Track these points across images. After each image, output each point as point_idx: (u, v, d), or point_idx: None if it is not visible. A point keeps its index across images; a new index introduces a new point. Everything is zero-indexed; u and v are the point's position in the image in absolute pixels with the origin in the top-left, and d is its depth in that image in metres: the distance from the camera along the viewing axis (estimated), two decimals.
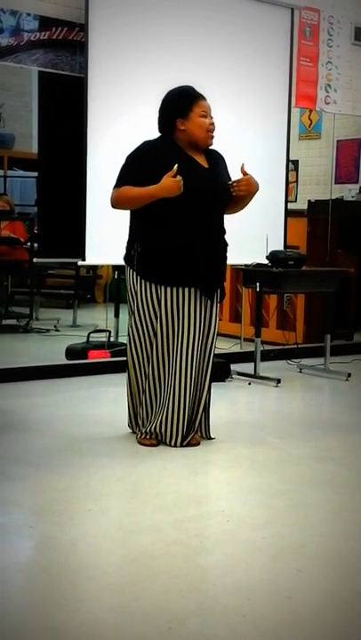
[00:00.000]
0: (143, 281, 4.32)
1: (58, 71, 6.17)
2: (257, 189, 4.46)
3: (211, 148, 4.45)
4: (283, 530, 3.26)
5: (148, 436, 4.39)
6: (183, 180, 4.16)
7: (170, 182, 4.13)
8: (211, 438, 4.54)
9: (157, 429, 4.37)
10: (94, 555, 2.99)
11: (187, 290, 4.29)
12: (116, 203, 4.34)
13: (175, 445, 4.36)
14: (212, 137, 4.37)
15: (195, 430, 4.47)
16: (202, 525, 3.31)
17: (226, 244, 4.49)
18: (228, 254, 4.51)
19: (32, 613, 2.53)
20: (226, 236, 4.50)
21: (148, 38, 6.22)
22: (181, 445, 4.36)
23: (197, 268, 4.28)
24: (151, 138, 4.39)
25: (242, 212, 6.66)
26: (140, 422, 4.44)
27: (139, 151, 4.34)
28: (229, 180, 4.45)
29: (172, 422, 4.36)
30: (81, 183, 5.99)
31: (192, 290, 4.30)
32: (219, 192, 4.36)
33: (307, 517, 3.46)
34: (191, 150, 4.35)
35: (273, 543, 3.12)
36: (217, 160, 4.47)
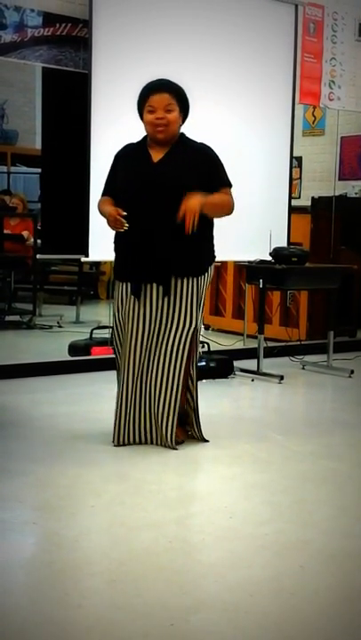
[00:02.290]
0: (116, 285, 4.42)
1: (61, 67, 6.17)
2: (201, 203, 4.13)
3: (198, 142, 4.34)
4: (286, 526, 3.27)
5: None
6: (127, 175, 4.24)
7: (109, 214, 4.15)
8: (205, 440, 4.45)
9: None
10: (97, 551, 2.99)
11: (125, 285, 4.28)
12: (101, 213, 4.38)
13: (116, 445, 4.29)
14: (160, 131, 4.20)
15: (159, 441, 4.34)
16: (204, 522, 3.31)
17: (179, 242, 4.18)
18: (186, 251, 4.22)
19: (35, 609, 2.53)
20: (192, 235, 4.17)
21: (151, 34, 6.20)
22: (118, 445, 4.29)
23: (128, 262, 4.26)
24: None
25: (245, 208, 6.64)
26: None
27: (115, 156, 4.41)
28: (212, 173, 4.27)
29: (121, 425, 4.30)
30: (84, 179, 5.99)
31: (127, 285, 4.27)
32: (160, 187, 4.17)
33: (310, 514, 3.46)
34: (156, 146, 4.27)
35: (276, 540, 3.12)
36: (186, 154, 4.27)
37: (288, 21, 7.05)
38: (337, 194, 8.52)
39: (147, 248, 4.20)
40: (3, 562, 2.86)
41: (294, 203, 7.75)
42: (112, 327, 4.42)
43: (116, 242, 4.37)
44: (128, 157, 4.35)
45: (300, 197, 9.14)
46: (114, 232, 4.30)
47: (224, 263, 8.32)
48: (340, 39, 7.64)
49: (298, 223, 7.60)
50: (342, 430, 4.90)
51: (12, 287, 9.20)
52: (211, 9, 6.52)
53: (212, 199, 4.21)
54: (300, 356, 7.05)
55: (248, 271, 6.58)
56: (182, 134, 4.35)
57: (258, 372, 6.34)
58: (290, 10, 7.06)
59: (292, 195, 7.58)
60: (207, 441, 4.45)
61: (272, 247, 6.34)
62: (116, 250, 4.38)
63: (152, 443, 4.33)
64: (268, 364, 6.44)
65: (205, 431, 4.54)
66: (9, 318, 8.60)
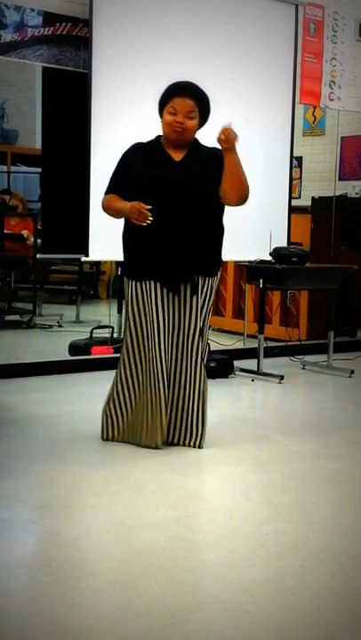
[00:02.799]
0: (124, 278, 4.38)
1: (62, 67, 6.17)
2: (236, 139, 4.28)
3: (209, 146, 4.38)
4: (286, 526, 3.27)
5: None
6: (148, 173, 4.22)
7: (132, 207, 4.14)
8: (200, 447, 4.37)
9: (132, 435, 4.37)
10: (97, 550, 2.99)
11: (149, 284, 4.25)
12: (104, 210, 4.40)
13: (154, 447, 4.27)
14: (176, 132, 4.21)
15: (183, 436, 4.38)
16: (205, 521, 3.31)
17: (201, 242, 4.28)
18: (207, 251, 4.33)
19: (35, 608, 2.53)
20: (212, 235, 4.35)
21: (151, 34, 6.21)
22: (156, 447, 4.27)
23: (155, 261, 4.23)
24: (151, 137, 4.40)
25: (245, 207, 6.62)
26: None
27: (124, 154, 4.38)
28: (217, 181, 4.30)
29: (147, 425, 4.29)
30: (84, 179, 5.99)
31: (154, 284, 4.24)
32: (185, 186, 4.21)
33: (310, 514, 3.46)
34: (172, 147, 4.30)
35: (276, 539, 3.12)
36: (204, 158, 4.32)
37: (288, 21, 7.05)
38: (337, 194, 8.52)
39: (173, 248, 4.22)
40: (3, 561, 2.86)
41: (294, 203, 7.75)
42: (127, 326, 4.34)
43: (133, 241, 4.31)
44: (144, 156, 4.32)
45: (300, 197, 9.14)
46: (126, 231, 4.29)
47: (224, 263, 8.30)
48: (340, 39, 7.64)
49: (298, 223, 7.61)
50: (343, 430, 4.90)
51: (13, 287, 9.20)
52: (211, 9, 6.52)
53: (240, 161, 4.34)
54: (301, 356, 7.05)
55: (248, 271, 6.58)
56: (196, 139, 4.38)
57: (258, 372, 6.34)
58: (290, 10, 7.06)
59: (293, 195, 7.59)
60: (201, 448, 4.38)
61: (272, 247, 6.34)
62: (134, 249, 4.31)
63: (179, 444, 4.36)
64: (269, 364, 6.44)
65: (206, 431, 4.54)
66: (9, 318, 8.60)
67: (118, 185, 4.34)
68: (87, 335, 6.85)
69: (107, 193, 4.39)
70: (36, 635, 2.35)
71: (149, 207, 4.11)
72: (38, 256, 8.14)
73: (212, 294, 4.40)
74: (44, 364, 6.24)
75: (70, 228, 6.27)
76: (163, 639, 2.35)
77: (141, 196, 4.21)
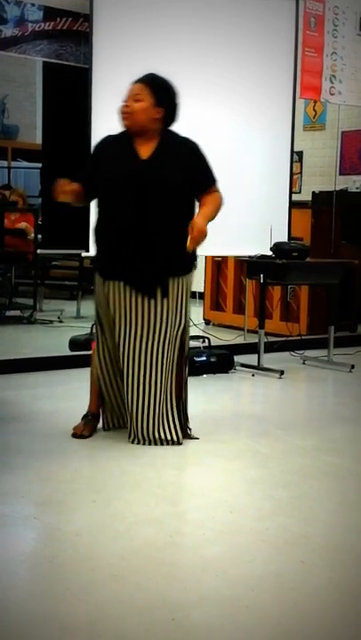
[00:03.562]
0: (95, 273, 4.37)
1: (62, 62, 6.16)
2: (207, 222, 4.16)
3: (184, 137, 4.29)
4: (287, 521, 3.27)
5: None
6: (112, 171, 4.18)
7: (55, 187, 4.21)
8: (176, 444, 4.27)
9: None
10: (98, 546, 2.99)
11: (115, 283, 4.21)
12: None
13: (137, 442, 4.25)
14: (123, 119, 4.19)
15: (162, 432, 4.29)
16: (205, 517, 3.31)
17: (172, 243, 4.16)
18: (179, 251, 4.16)
19: (36, 604, 2.53)
20: (183, 233, 4.12)
21: (152, 29, 6.20)
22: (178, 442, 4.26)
23: (120, 261, 4.19)
24: None
25: (246, 203, 6.65)
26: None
27: (94, 147, 4.40)
28: (200, 170, 4.25)
29: (131, 419, 4.28)
30: None
31: (124, 285, 4.20)
32: (151, 187, 4.13)
33: (311, 509, 3.46)
34: (140, 138, 4.22)
35: (277, 535, 3.12)
36: (175, 151, 4.23)
37: (289, 16, 7.04)
38: (338, 188, 8.51)
39: (144, 250, 4.15)
40: (4, 557, 2.87)
41: (295, 197, 7.74)
42: (96, 324, 4.36)
43: (102, 239, 4.30)
44: (112, 151, 4.27)
45: (300, 192, 9.14)
46: (98, 228, 4.29)
47: (225, 258, 8.32)
48: (340, 33, 7.62)
49: (298, 218, 7.60)
50: (343, 425, 4.90)
51: (13, 282, 9.20)
52: (212, 4, 6.51)
53: (211, 212, 4.22)
54: (301, 351, 7.05)
55: (249, 266, 6.58)
56: (167, 130, 4.26)
57: (258, 367, 6.34)
58: (291, 4, 7.05)
59: (293, 189, 7.57)
60: (180, 444, 4.33)
61: (273, 242, 6.33)
62: (103, 247, 4.30)
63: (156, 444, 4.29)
64: (269, 359, 6.44)
65: (206, 426, 4.55)
66: (10, 313, 8.60)
67: (84, 176, 4.33)
68: (88, 331, 6.83)
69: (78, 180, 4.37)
70: (37, 630, 2.36)
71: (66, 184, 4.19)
72: (39, 251, 8.15)
73: (187, 293, 4.32)
74: (45, 359, 6.25)
75: (71, 223, 6.26)
76: (163, 634, 2.36)
77: (108, 194, 4.21)
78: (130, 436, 4.26)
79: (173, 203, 4.17)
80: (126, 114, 4.18)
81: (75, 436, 4.34)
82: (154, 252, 4.16)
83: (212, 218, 4.23)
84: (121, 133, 4.29)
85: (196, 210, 4.28)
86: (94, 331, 4.38)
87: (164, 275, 4.20)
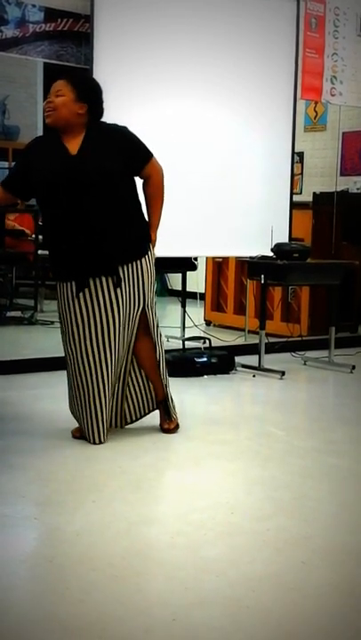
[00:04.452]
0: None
1: (63, 63, 6.16)
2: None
3: (112, 124, 4.29)
4: (287, 522, 3.26)
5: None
6: (46, 171, 4.15)
7: None
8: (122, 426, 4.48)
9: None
10: (98, 546, 2.99)
11: (67, 284, 4.23)
12: None
13: (95, 442, 4.24)
14: (46, 115, 4.20)
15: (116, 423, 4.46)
16: (206, 517, 3.31)
17: (115, 232, 4.19)
18: (124, 237, 4.23)
19: (36, 604, 2.53)
20: (126, 220, 4.24)
21: (152, 30, 6.20)
22: (99, 442, 4.24)
23: (73, 261, 4.18)
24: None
25: (247, 203, 6.64)
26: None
27: (26, 148, 4.36)
28: (132, 151, 4.26)
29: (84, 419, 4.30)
30: None
31: (71, 284, 4.21)
32: (83, 179, 4.12)
33: (312, 510, 3.46)
34: (66, 135, 4.20)
35: (277, 535, 3.12)
36: (103, 141, 4.23)
37: (290, 17, 7.04)
38: (338, 189, 8.51)
39: (87, 244, 4.14)
40: (4, 557, 2.86)
41: (296, 198, 7.74)
42: (63, 329, 4.31)
43: (50, 242, 4.33)
44: (41, 151, 4.25)
45: (301, 193, 9.13)
46: (44, 233, 4.36)
47: (225, 259, 8.32)
48: (341, 34, 7.62)
49: (299, 219, 7.60)
50: (344, 426, 4.90)
51: (14, 283, 9.19)
52: (212, 5, 6.51)
53: (158, 220, 4.38)
54: (302, 352, 7.05)
55: (249, 267, 6.57)
56: (95, 123, 4.26)
57: (259, 368, 6.33)
58: (291, 5, 7.05)
59: (294, 190, 7.57)
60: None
61: (274, 243, 6.33)
62: (53, 251, 4.32)
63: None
64: (270, 360, 6.44)
65: (207, 426, 4.55)
66: (10, 314, 8.59)
67: (12, 180, 4.33)
68: None
69: (1, 184, 4.36)
70: (37, 630, 2.36)
71: None
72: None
73: (143, 276, 4.29)
74: (45, 360, 6.24)
75: None
76: (164, 635, 2.35)
77: (41, 195, 4.23)
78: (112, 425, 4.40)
79: (110, 191, 4.16)
80: (49, 110, 4.19)
81: (75, 437, 4.35)
82: (100, 245, 4.15)
83: (160, 217, 4.39)
84: (49, 133, 4.30)
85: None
86: (71, 341, 4.32)
87: (113, 266, 4.20)
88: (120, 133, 4.27)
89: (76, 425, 4.36)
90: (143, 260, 4.29)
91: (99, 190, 4.14)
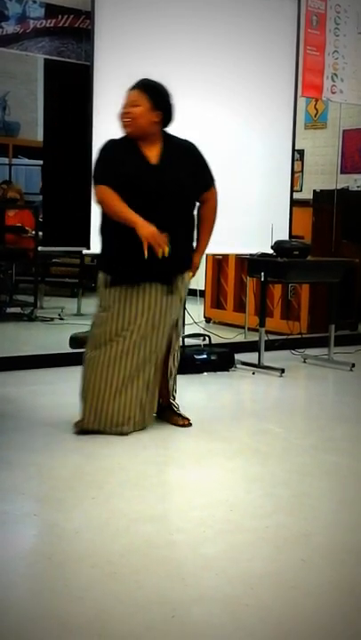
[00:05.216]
0: (105, 279, 4.39)
1: (64, 59, 6.15)
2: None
3: (182, 139, 4.44)
4: (287, 520, 3.27)
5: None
6: (128, 177, 4.24)
7: (152, 234, 4.16)
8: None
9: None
10: (98, 543, 2.99)
11: (135, 288, 4.33)
12: (101, 203, 4.34)
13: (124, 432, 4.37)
14: (125, 125, 4.33)
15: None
16: (205, 514, 3.31)
17: (179, 243, 4.34)
18: (185, 250, 4.44)
19: (35, 601, 2.53)
20: (188, 233, 4.46)
21: (153, 27, 6.18)
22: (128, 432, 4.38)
23: (138, 264, 4.24)
24: None
25: (247, 201, 6.65)
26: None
27: (106, 148, 4.39)
28: (201, 170, 4.44)
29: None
30: (86, 171, 5.95)
31: (142, 287, 4.32)
32: (163, 189, 4.28)
33: (311, 507, 3.46)
34: (144, 143, 4.35)
35: (277, 533, 3.12)
36: (178, 153, 4.39)
37: (291, 14, 7.03)
38: (339, 187, 8.50)
39: (154, 251, 4.23)
40: (3, 554, 2.87)
41: (296, 196, 7.73)
42: (99, 323, 4.42)
43: (117, 243, 4.33)
44: (120, 155, 4.34)
45: (301, 190, 9.13)
46: (109, 231, 4.31)
47: (226, 256, 8.32)
48: (342, 32, 7.61)
49: (300, 216, 7.59)
50: (343, 424, 4.90)
51: (14, 279, 9.20)
52: (213, 2, 6.50)
53: (206, 246, 4.57)
54: (302, 350, 7.05)
55: (250, 264, 6.57)
56: (165, 132, 4.41)
57: (259, 366, 6.33)
58: (292, 2, 7.04)
59: (294, 188, 7.56)
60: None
61: (274, 240, 6.33)
62: (115, 251, 4.35)
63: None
64: (270, 358, 6.44)
65: (206, 424, 4.55)
66: (10, 310, 8.59)
67: (108, 176, 4.30)
68: (88, 328, 6.82)
69: (99, 183, 4.34)
70: (36, 628, 2.36)
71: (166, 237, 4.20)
72: (39, 249, 8.14)
73: (186, 287, 4.52)
74: (45, 356, 6.24)
75: (72, 220, 6.26)
76: (163, 632, 2.35)
77: (124, 199, 4.24)
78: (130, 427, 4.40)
79: (181, 204, 4.38)
80: (128, 120, 4.33)
81: (77, 431, 4.38)
82: (174, 253, 4.28)
83: (208, 244, 4.60)
84: (123, 138, 4.40)
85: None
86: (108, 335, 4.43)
87: (171, 274, 4.38)
88: (193, 150, 4.45)
89: (76, 419, 4.37)
90: (186, 274, 4.48)
91: (174, 201, 4.32)
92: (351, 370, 6.47)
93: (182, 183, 4.34)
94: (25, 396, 5.24)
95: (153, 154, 4.34)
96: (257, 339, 6.42)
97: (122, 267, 4.34)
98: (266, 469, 3.93)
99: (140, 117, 4.30)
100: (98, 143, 5.90)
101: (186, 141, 4.46)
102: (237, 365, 6.37)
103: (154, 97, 4.34)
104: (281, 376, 6.16)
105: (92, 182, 4.38)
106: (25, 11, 5.94)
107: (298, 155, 8.74)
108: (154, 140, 4.36)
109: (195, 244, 4.53)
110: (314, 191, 8.46)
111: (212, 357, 6.24)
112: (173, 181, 4.30)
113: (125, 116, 4.33)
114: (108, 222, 4.33)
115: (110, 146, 4.40)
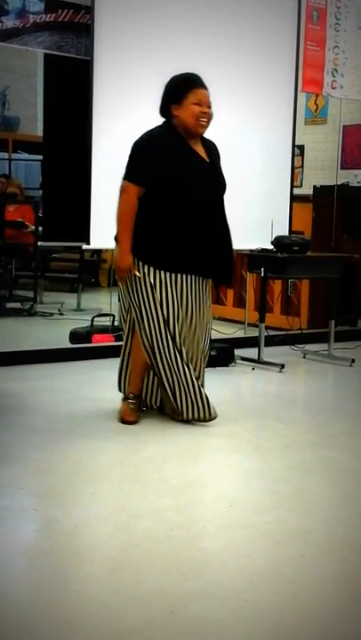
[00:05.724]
0: (146, 266, 4.37)
1: (63, 54, 6.15)
2: None
3: (205, 137, 4.48)
4: (286, 515, 3.27)
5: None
6: (188, 173, 4.30)
7: (125, 267, 4.33)
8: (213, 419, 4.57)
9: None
10: (97, 538, 2.99)
11: (181, 276, 4.40)
12: (121, 203, 4.34)
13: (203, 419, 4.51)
14: (203, 125, 4.37)
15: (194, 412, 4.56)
16: (205, 510, 3.31)
17: (226, 241, 4.53)
18: (231, 246, 4.59)
19: (35, 596, 2.53)
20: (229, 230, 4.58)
21: (153, 21, 6.18)
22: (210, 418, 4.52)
23: (189, 257, 4.38)
24: (153, 125, 4.40)
25: (247, 197, 6.66)
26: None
27: (146, 142, 4.34)
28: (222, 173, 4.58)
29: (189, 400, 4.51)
30: (86, 166, 5.97)
31: (187, 276, 4.42)
32: (218, 186, 4.47)
33: (310, 503, 3.46)
34: (190, 139, 4.39)
35: (276, 528, 3.12)
36: (212, 151, 4.52)
37: (291, 9, 7.02)
38: (339, 183, 8.49)
39: (211, 245, 4.40)
40: (3, 549, 2.86)
41: (296, 191, 7.73)
42: (144, 309, 4.39)
43: (172, 236, 4.34)
44: (172, 150, 4.33)
45: (301, 186, 9.12)
46: (155, 224, 4.33)
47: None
48: (343, 27, 7.60)
49: (300, 212, 7.59)
50: (343, 419, 4.90)
51: (14, 274, 9.19)
52: (212, 5, 6.47)
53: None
54: (301, 345, 7.05)
55: (249, 260, 6.57)
56: None
57: (259, 361, 6.33)
58: None
59: (294, 183, 7.56)
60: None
61: (274, 236, 6.33)
62: (175, 243, 4.35)
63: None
64: (269, 353, 6.44)
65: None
66: (10, 305, 8.60)
67: (145, 177, 4.29)
68: (88, 323, 6.84)
69: (133, 180, 4.31)
70: (36, 622, 2.36)
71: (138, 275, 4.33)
72: (39, 244, 8.14)
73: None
74: (45, 351, 6.25)
75: (71, 215, 6.26)
76: (162, 627, 2.35)
77: (181, 193, 4.30)
78: (183, 414, 4.51)
79: (222, 200, 4.53)
80: (206, 121, 4.37)
81: (123, 421, 4.45)
82: (226, 246, 4.51)
83: None
84: (165, 132, 4.37)
85: (228, 203, 4.59)
86: (138, 319, 4.43)
87: (226, 269, 4.61)
88: (217, 149, 4.57)
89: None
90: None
91: (221, 197, 4.49)
92: (351, 365, 6.47)
93: (224, 181, 4.51)
94: (25, 392, 5.24)
95: (201, 152, 4.43)
96: (257, 334, 6.42)
97: (172, 258, 4.40)
98: (266, 465, 3.93)
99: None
100: (98, 138, 5.96)
101: (211, 141, 4.56)
102: (237, 361, 6.37)
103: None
104: (281, 372, 6.16)
105: (124, 176, 4.32)
106: (25, 5, 5.93)
107: (298, 150, 8.73)
108: (197, 138, 4.44)
109: None
110: (314, 187, 8.45)
111: (212, 353, 6.20)
112: (223, 179, 4.49)
113: (205, 117, 4.35)
114: (153, 221, 4.34)
115: (151, 142, 4.35)
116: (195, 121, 4.31)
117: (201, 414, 4.50)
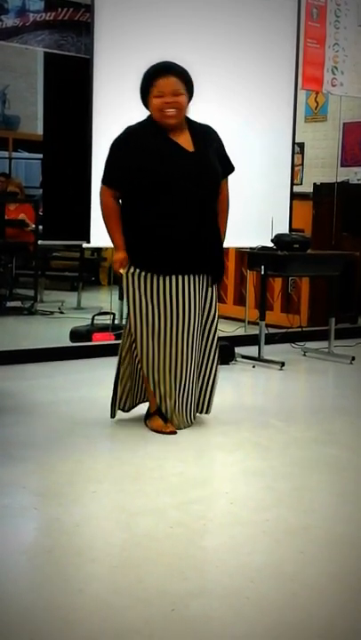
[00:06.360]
0: (137, 270, 4.25)
1: (63, 52, 6.15)
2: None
3: (202, 123, 4.33)
4: (286, 513, 3.27)
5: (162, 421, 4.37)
6: (166, 167, 4.13)
7: (119, 262, 4.25)
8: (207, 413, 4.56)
9: (168, 414, 4.36)
10: (98, 537, 3.00)
11: (170, 278, 4.23)
12: (101, 206, 4.31)
13: (184, 426, 4.37)
14: (171, 116, 4.14)
15: (200, 410, 4.52)
16: (205, 508, 3.31)
17: (216, 232, 4.38)
18: (219, 241, 4.44)
19: (36, 595, 2.54)
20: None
21: (153, 19, 6.17)
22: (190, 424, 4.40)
23: (187, 255, 4.23)
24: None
25: (247, 195, 6.65)
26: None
27: (121, 140, 4.25)
28: (223, 157, 4.36)
29: (181, 405, 4.35)
30: (86, 165, 5.97)
31: (179, 277, 4.25)
32: (204, 177, 4.21)
33: (310, 500, 3.47)
34: (174, 131, 4.20)
35: (277, 526, 3.12)
36: (206, 138, 4.29)
37: (291, 6, 7.02)
38: (339, 180, 8.49)
39: (198, 241, 4.24)
40: (4, 547, 2.87)
41: (296, 189, 7.72)
42: (136, 315, 4.27)
43: (158, 236, 4.20)
44: (148, 144, 4.18)
45: (302, 184, 9.12)
46: (142, 227, 4.21)
47: (226, 249, 8.30)
48: (343, 24, 7.59)
49: (300, 209, 7.59)
50: (343, 417, 4.90)
51: (14, 273, 9.20)
52: (212, 5, 6.47)
53: (223, 235, 4.48)
54: (302, 343, 7.05)
55: (250, 257, 6.57)
56: (187, 117, 4.29)
57: (259, 359, 6.34)
58: None
59: (294, 181, 7.55)
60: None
61: (274, 233, 6.33)
62: (161, 244, 4.21)
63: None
64: (270, 351, 6.44)
65: (206, 417, 4.55)
66: (10, 304, 8.60)
67: (117, 177, 4.22)
68: (88, 322, 6.84)
69: (105, 183, 4.27)
70: (36, 621, 2.36)
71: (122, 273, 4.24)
72: (40, 242, 8.14)
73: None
74: (45, 350, 6.25)
75: (72, 214, 6.26)
76: (163, 625, 2.36)
77: (160, 190, 4.14)
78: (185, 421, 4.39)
79: (216, 190, 4.32)
80: (174, 111, 4.15)
81: (164, 433, 4.31)
82: (215, 241, 4.35)
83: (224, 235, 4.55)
84: (145, 125, 4.25)
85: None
86: (132, 327, 4.29)
87: (219, 265, 4.46)
88: (215, 135, 4.38)
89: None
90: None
91: (211, 189, 4.28)
92: (351, 363, 6.47)
93: (217, 170, 4.27)
94: (25, 390, 5.24)
95: (185, 141, 4.21)
96: (257, 332, 6.42)
97: (162, 259, 4.25)
98: (266, 463, 3.93)
99: (184, 108, 4.18)
100: (98, 136, 5.96)
101: (207, 126, 4.34)
102: (237, 359, 6.38)
103: (188, 83, 4.21)
104: (281, 369, 6.16)
105: (102, 179, 4.27)
106: (25, 4, 5.94)
107: (298, 148, 8.73)
108: (183, 128, 4.22)
109: None
110: (314, 184, 8.45)
111: None
112: (211, 168, 4.24)
113: (171, 107, 4.13)
114: (139, 224, 4.23)
115: (124, 140, 4.24)
116: (159, 113, 4.15)
117: (179, 421, 4.37)
